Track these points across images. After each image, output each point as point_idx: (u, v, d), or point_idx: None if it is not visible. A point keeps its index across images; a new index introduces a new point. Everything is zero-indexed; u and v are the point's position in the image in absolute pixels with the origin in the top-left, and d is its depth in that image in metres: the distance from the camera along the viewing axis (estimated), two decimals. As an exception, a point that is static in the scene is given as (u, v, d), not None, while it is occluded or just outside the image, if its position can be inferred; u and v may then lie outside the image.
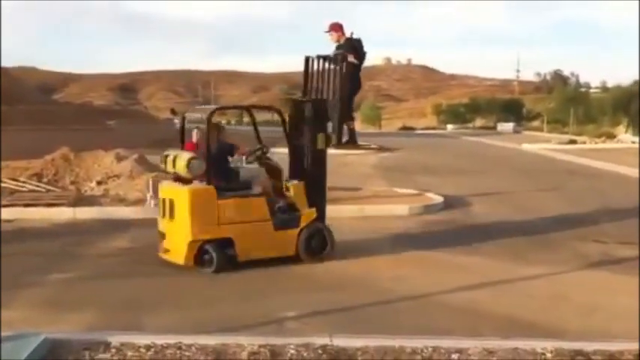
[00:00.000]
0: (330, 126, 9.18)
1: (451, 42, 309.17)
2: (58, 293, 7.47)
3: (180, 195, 8.28)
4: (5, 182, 14.49)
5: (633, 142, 40.87)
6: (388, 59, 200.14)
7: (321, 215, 8.97)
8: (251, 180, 8.66)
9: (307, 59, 9.11)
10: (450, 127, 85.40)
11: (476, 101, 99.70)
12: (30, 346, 4.97)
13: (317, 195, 8.95)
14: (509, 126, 77.68)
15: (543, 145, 40.33)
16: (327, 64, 9.18)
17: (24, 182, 14.70)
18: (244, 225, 8.32)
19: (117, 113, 47.26)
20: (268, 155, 9.07)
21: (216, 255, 8.10)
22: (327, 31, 9.47)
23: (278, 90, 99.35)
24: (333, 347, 5.23)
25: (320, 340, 5.32)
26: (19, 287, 7.50)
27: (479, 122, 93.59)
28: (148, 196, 12.95)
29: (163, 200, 8.59)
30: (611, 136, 47.04)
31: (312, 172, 8.93)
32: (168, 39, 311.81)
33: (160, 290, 7.60)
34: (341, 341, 5.33)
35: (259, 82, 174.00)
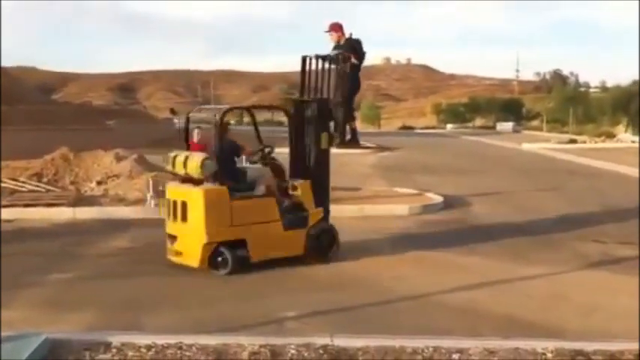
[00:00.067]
0: (332, 125, 9.20)
1: (451, 41, 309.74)
2: (58, 293, 7.46)
3: (193, 196, 8.13)
4: (5, 182, 14.49)
5: (633, 142, 40.90)
6: (387, 59, 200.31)
7: (325, 215, 9.00)
8: (257, 180, 8.63)
9: (304, 59, 9.11)
10: (449, 126, 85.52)
11: (475, 101, 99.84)
12: (31, 346, 4.97)
13: (321, 194, 8.97)
14: (508, 125, 77.77)
15: (543, 144, 40.37)
16: (326, 64, 9.17)
17: (24, 182, 14.70)
18: (256, 226, 8.28)
19: (116, 113, 47.22)
20: (272, 155, 9.04)
21: (231, 257, 8.03)
22: (327, 31, 9.46)
23: (278, 90, 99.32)
24: (333, 347, 5.23)
25: (321, 340, 5.32)
26: (20, 287, 7.50)
27: (478, 122, 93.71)
28: (148, 195, 12.96)
29: (174, 202, 8.34)
30: (611, 136, 47.07)
31: (316, 172, 8.94)
32: (168, 39, 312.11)
33: (161, 290, 7.59)
34: (342, 341, 5.33)
35: (259, 81, 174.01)
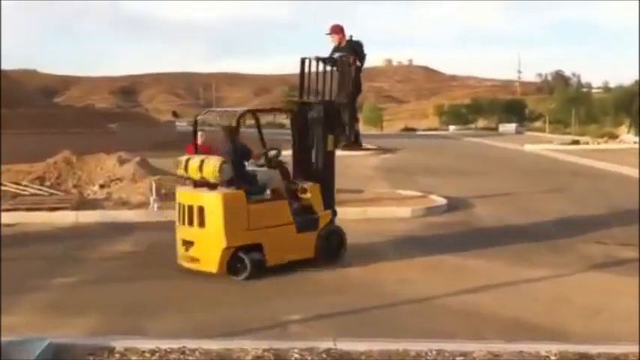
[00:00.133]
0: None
1: (452, 42, 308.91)
2: (61, 297, 7.47)
3: (211, 201, 8.02)
4: (7, 186, 14.51)
5: (635, 143, 40.84)
6: (389, 60, 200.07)
7: (332, 217, 9.05)
8: (267, 183, 8.59)
9: (303, 60, 9.12)
10: (451, 128, 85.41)
11: (478, 102, 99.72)
12: (34, 350, 4.98)
13: (328, 196, 9.01)
14: (511, 127, 77.67)
15: (545, 145, 40.31)
16: (327, 66, 9.19)
17: (26, 186, 14.72)
18: (272, 229, 8.25)
19: (118, 116, 47.27)
20: (280, 158, 9.03)
21: (250, 261, 7.99)
22: (328, 34, 9.48)
23: (280, 92, 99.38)
24: (336, 351, 5.23)
25: (324, 344, 5.32)
26: (22, 292, 7.51)
27: (481, 123, 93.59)
28: (151, 199, 12.97)
29: (189, 207, 8.17)
30: (614, 137, 47.01)
31: (323, 174, 8.97)
32: (169, 41, 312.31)
33: (164, 294, 7.60)
34: (345, 345, 5.33)
35: (261, 84, 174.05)
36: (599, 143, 42.04)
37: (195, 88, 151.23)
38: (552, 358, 5.13)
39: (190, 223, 8.17)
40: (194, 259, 8.19)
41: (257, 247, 8.10)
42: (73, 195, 14.34)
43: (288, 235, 8.40)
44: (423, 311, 6.88)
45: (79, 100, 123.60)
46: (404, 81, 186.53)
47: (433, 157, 30.30)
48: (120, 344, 5.27)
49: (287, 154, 9.20)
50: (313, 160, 9.01)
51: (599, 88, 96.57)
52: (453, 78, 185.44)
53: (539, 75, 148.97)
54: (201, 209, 8.05)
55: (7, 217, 12.19)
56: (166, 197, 13.63)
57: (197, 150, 9.07)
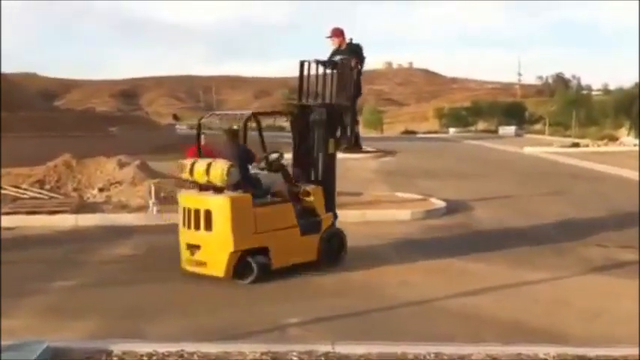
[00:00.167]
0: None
1: (452, 45, 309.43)
2: (60, 301, 7.47)
3: (219, 204, 7.97)
4: (7, 189, 14.51)
5: (635, 145, 40.85)
6: (389, 63, 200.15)
7: (333, 219, 9.08)
8: (271, 186, 8.57)
9: (302, 63, 9.15)
10: (452, 130, 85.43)
11: (478, 105, 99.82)
12: (33, 353, 4.98)
13: (329, 199, 9.04)
14: (511, 129, 77.72)
15: (545, 148, 40.29)
16: (326, 69, 9.22)
17: (26, 189, 14.72)
18: (277, 232, 8.24)
19: (119, 119, 47.34)
20: (282, 161, 9.03)
21: (257, 265, 7.98)
22: (328, 37, 9.51)
23: (280, 95, 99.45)
24: (335, 354, 5.23)
25: (322, 348, 5.32)
26: (22, 295, 7.50)
27: (481, 126, 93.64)
28: (151, 202, 12.97)
29: (196, 211, 8.10)
30: (614, 139, 47.04)
31: (324, 177, 9.00)
32: (170, 44, 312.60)
33: (163, 297, 7.59)
34: (343, 348, 5.33)
35: (261, 86, 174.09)
36: (599, 146, 42.07)
37: (195, 91, 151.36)
38: (550, 360, 5.14)
39: (197, 226, 8.09)
40: (200, 263, 8.13)
41: (263, 251, 8.09)
42: (72, 198, 14.35)
43: (292, 238, 8.40)
44: (423, 314, 6.87)
45: (80, 103, 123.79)
46: (404, 84, 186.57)
47: (433, 160, 30.31)
48: (118, 348, 5.28)
49: (288, 157, 9.20)
50: (314, 162, 9.02)
51: (599, 90, 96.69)
52: (454, 80, 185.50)
53: (540, 77, 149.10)
54: (208, 213, 7.98)
55: (7, 221, 12.20)
56: (166, 200, 13.66)
57: (201, 153, 8.98)
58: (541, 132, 70.58)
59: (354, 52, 9.30)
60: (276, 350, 5.24)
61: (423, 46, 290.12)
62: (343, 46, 9.39)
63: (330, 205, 9.06)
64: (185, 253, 8.34)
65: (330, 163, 9.10)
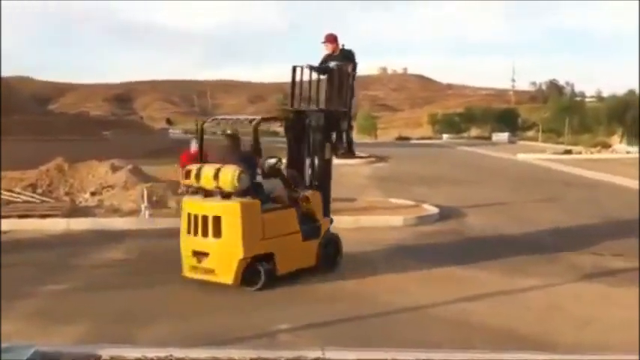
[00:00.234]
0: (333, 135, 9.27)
1: (447, 51, 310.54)
2: (51, 305, 7.43)
3: (228, 210, 7.83)
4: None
5: (628, 152, 41.05)
6: (384, 69, 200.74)
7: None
8: (272, 192, 8.51)
9: (294, 68, 9.14)
10: (445, 136, 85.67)
11: (471, 111, 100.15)
12: (21, 357, 4.95)
13: (325, 204, 9.05)
14: (504, 136, 78.01)
15: (538, 155, 40.41)
16: (320, 75, 9.27)
17: (18, 193, 14.66)
18: (282, 238, 8.20)
19: (112, 123, 47.25)
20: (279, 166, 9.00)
21: (264, 271, 7.92)
22: (323, 42, 9.55)
23: (275, 100, 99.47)
24: (325, 360, 5.21)
25: (312, 354, 5.31)
26: (12, 299, 7.45)
27: (474, 132, 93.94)
28: (143, 206, 12.94)
29: (203, 217, 7.93)
30: (606, 146, 47.27)
31: (320, 182, 9.01)
32: (164, 48, 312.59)
33: (154, 302, 7.55)
34: (333, 354, 5.32)
35: (256, 91, 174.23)
36: (592, 153, 42.24)
37: (190, 95, 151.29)
38: (541, 367, 5.13)
39: (204, 233, 7.94)
40: (208, 271, 7.98)
41: (269, 257, 8.03)
42: (64, 202, 14.30)
43: (295, 244, 8.38)
44: (415, 321, 6.85)
45: (73, 107, 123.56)
46: (398, 89, 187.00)
47: (426, 166, 30.36)
48: (106, 352, 5.25)
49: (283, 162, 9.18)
50: (309, 168, 9.02)
51: (592, 97, 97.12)
52: (449, 87, 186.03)
53: (533, 84, 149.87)
54: (217, 219, 7.85)
55: (-1, 224, 12.13)
56: (158, 205, 13.64)
57: (202, 158, 8.76)
58: (534, 139, 70.83)
59: (347, 57, 9.33)
60: (265, 356, 5.23)
61: (418, 52, 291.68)
62: (336, 52, 9.42)
63: (327, 210, 9.07)
64: (190, 261, 8.14)
65: (327, 168, 9.12)
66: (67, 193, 15.02)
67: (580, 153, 41.88)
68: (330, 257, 8.89)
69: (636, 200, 16.87)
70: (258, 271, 7.88)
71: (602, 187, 21.54)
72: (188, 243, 8.15)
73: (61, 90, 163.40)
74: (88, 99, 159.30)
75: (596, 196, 18.72)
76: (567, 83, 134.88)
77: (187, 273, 8.19)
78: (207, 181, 8.03)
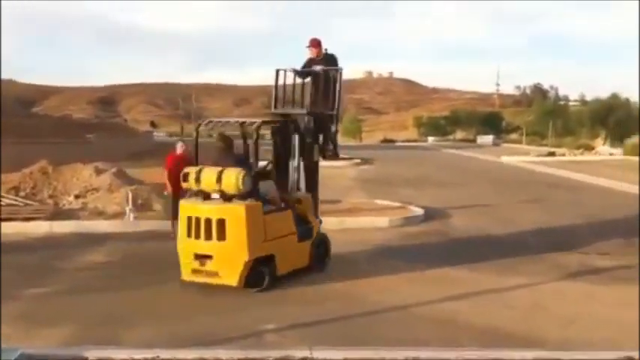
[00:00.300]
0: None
1: (432, 55, 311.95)
2: (34, 308, 7.36)
3: (233, 213, 7.77)
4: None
5: (611, 154, 41.43)
6: (369, 72, 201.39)
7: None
8: (267, 193, 8.44)
9: (277, 72, 9.19)
10: (430, 139, 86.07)
11: (456, 114, 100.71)
12: (5, 360, 4.91)
13: (314, 206, 9.13)
14: (488, 139, 78.57)
15: (522, 157, 40.70)
16: (302, 78, 9.38)
17: (1, 196, 14.51)
18: (281, 239, 8.22)
19: (96, 126, 47.00)
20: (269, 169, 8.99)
21: (268, 272, 7.92)
22: (307, 47, 9.61)
23: (260, 103, 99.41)
24: (312, 359, 5.20)
25: (300, 353, 5.30)
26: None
27: (459, 135, 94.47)
28: (127, 209, 12.86)
29: (207, 220, 7.82)
30: (590, 148, 47.70)
31: (309, 184, 9.06)
32: (149, 52, 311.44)
33: (139, 304, 7.50)
34: (321, 354, 5.31)
35: (241, 94, 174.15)
36: (575, 155, 42.59)
37: (174, 98, 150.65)
38: (527, 365, 5.16)
39: (208, 236, 7.84)
40: (212, 274, 7.90)
41: (270, 258, 8.04)
42: (48, 205, 14.18)
43: (292, 245, 8.42)
44: (401, 320, 6.85)
45: (57, 110, 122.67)
46: (384, 93, 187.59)
47: (411, 169, 30.44)
48: (93, 354, 5.21)
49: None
50: (296, 170, 9.03)
51: (576, 100, 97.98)
52: (434, 90, 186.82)
53: (518, 88, 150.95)
54: (221, 222, 7.78)
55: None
56: (143, 207, 13.57)
57: (197, 162, 8.59)
58: (518, 141, 71.32)
59: (329, 61, 9.41)
60: (252, 356, 5.21)
61: (403, 56, 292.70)
62: (320, 56, 9.50)
63: (315, 212, 9.17)
64: (192, 264, 8.01)
65: (314, 170, 9.18)
66: (50, 196, 14.89)
67: (564, 155, 42.24)
68: (322, 257, 8.98)
69: (620, 201, 17.09)
70: (260, 273, 7.88)
71: (586, 188, 21.71)
72: (189, 246, 8.03)
73: (44, 93, 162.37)
74: (71, 102, 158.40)
75: (580, 197, 18.86)
76: (551, 87, 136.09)
77: (188, 276, 8.07)
78: (208, 183, 7.98)
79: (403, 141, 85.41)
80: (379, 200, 16.08)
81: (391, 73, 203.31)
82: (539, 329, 6.48)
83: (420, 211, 14.31)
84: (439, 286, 8.20)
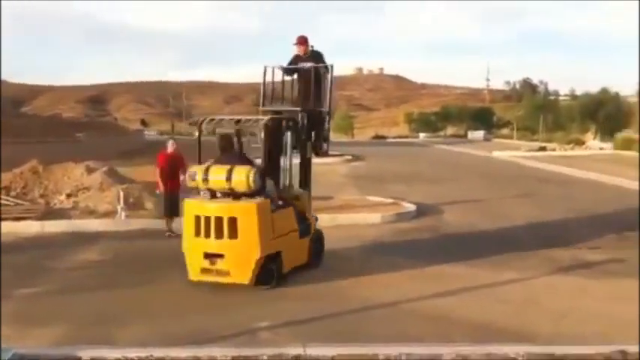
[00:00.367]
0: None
1: (423, 51, 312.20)
2: (26, 307, 7.32)
3: (244, 211, 7.78)
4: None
5: (601, 149, 41.61)
6: (360, 69, 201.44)
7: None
8: (270, 191, 8.40)
9: (265, 69, 9.24)
10: (421, 135, 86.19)
11: (447, 110, 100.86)
12: (-2, 361, 4.89)
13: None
14: (479, 134, 78.75)
15: (513, 152, 40.83)
16: (289, 75, 9.44)
17: (-7, 196, 14.44)
18: (286, 237, 8.26)
19: (86, 125, 46.79)
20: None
21: (276, 269, 7.94)
22: (294, 44, 9.62)
23: (250, 100, 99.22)
24: (306, 357, 5.21)
25: (293, 350, 5.30)
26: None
27: (450, 130, 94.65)
28: (119, 208, 12.82)
29: (217, 219, 7.77)
30: (580, 143, 47.85)
31: (303, 180, 9.12)
32: (139, 50, 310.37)
33: (131, 303, 7.48)
34: (314, 350, 5.31)
35: (231, 92, 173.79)
36: (565, 150, 42.74)
37: (165, 96, 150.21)
38: (520, 359, 5.18)
39: (219, 235, 7.79)
40: (223, 273, 7.86)
41: (277, 255, 8.05)
42: (39, 205, 14.12)
43: (294, 242, 8.47)
44: (394, 316, 6.87)
45: (46, 109, 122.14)
46: (374, 89, 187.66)
47: (403, 165, 30.47)
48: (86, 354, 5.20)
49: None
50: (288, 167, 9.04)
51: (566, 95, 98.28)
52: (423, 86, 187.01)
53: (508, 83, 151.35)
54: (233, 220, 7.76)
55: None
56: (134, 206, 13.52)
57: (200, 159, 8.54)
58: (509, 136, 71.50)
59: (316, 58, 9.44)
60: (246, 354, 5.21)
61: (393, 53, 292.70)
62: (307, 53, 9.52)
63: (309, 208, 9.23)
64: (202, 263, 7.94)
65: (308, 167, 9.23)
66: (41, 196, 14.82)
67: (554, 150, 42.39)
68: (318, 253, 9.06)
69: (611, 195, 17.18)
70: (270, 270, 7.89)
71: (577, 183, 21.80)
72: (198, 245, 7.97)
73: (34, 92, 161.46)
74: (61, 101, 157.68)
75: (571, 192, 18.94)
76: (541, 82, 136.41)
77: (196, 276, 8.02)
78: (218, 182, 7.96)
79: (394, 137, 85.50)
80: (371, 196, 16.10)
81: (381, 69, 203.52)
82: (531, 324, 6.51)
83: (412, 207, 14.34)
84: (432, 282, 8.22)
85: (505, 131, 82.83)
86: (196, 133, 8.76)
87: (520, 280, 8.32)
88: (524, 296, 7.61)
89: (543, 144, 47.48)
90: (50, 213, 13.42)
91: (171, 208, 11.61)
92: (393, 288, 7.98)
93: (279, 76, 9.40)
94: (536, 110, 68.69)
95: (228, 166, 7.96)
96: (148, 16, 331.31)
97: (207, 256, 7.89)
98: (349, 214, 13.44)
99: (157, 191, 12.10)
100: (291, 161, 9.00)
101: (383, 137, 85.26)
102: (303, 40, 9.56)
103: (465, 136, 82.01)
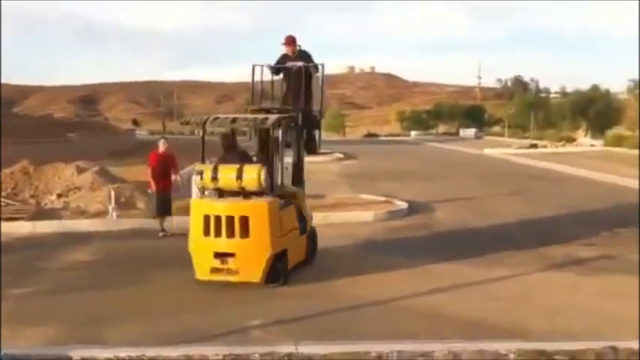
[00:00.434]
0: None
1: (414, 49, 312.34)
2: (17, 308, 7.29)
3: (257, 210, 7.83)
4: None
5: (592, 145, 41.80)
6: (351, 67, 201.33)
7: None
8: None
9: (254, 68, 9.25)
10: (413, 133, 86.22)
11: (438, 108, 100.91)
12: (-12, 362, 4.87)
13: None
14: (471, 132, 78.83)
15: (505, 149, 40.93)
16: (277, 75, 9.49)
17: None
18: (290, 234, 8.31)
19: (77, 125, 46.60)
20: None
21: (283, 267, 7.97)
22: (283, 44, 9.64)
23: (243, 99, 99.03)
24: (298, 355, 5.21)
25: (285, 349, 5.30)
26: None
27: (442, 128, 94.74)
28: (110, 207, 12.78)
29: (228, 218, 7.77)
30: (571, 140, 48.04)
31: (297, 179, 9.14)
32: (130, 50, 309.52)
33: (123, 302, 7.46)
34: (306, 349, 5.31)
35: (223, 91, 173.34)
36: (557, 147, 42.90)
37: (156, 96, 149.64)
38: (511, 355, 5.20)
39: (230, 234, 7.79)
40: (233, 272, 7.87)
41: (284, 253, 8.08)
42: (30, 205, 14.06)
43: (296, 239, 8.53)
44: (386, 313, 6.87)
45: (38, 109, 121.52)
46: (366, 87, 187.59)
47: (395, 163, 30.48)
48: (77, 354, 5.18)
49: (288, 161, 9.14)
50: (279, 166, 9.04)
51: (557, 93, 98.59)
52: (415, 84, 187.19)
53: (499, 80, 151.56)
54: (244, 219, 7.77)
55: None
56: (126, 206, 13.48)
57: (203, 159, 8.60)
58: (500, 134, 71.69)
59: (303, 58, 9.46)
60: (238, 352, 5.20)
61: (385, 50, 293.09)
62: (295, 53, 9.54)
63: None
64: (211, 263, 7.93)
65: (301, 165, 9.27)
66: (32, 196, 14.76)
67: (545, 147, 42.53)
68: (313, 251, 9.14)
69: (602, 192, 17.25)
70: (277, 268, 7.93)
71: (568, 180, 21.87)
72: (207, 245, 7.95)
73: (24, 92, 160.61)
74: (52, 101, 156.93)
75: (563, 189, 19.00)
76: (532, 80, 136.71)
77: (206, 276, 7.99)
78: (228, 182, 7.98)
79: (386, 135, 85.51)
80: (364, 194, 16.11)
81: (373, 67, 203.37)
82: (522, 320, 6.53)
83: (404, 205, 14.35)
84: (424, 279, 8.23)
85: (496, 129, 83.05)
86: (197, 133, 8.81)
87: (512, 277, 8.35)
88: (516, 293, 7.63)
89: (534, 141, 47.60)
90: (41, 213, 13.37)
91: (164, 208, 11.59)
92: (385, 286, 7.98)
93: (268, 75, 9.45)
94: (528, 108, 68.85)
95: (237, 165, 8.00)
96: (140, 16, 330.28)
97: (218, 255, 7.87)
98: (341, 212, 13.44)
99: (150, 191, 12.07)
100: (282, 159, 9.00)
101: (375, 135, 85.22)
102: (291, 40, 9.59)
103: (457, 133, 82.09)
